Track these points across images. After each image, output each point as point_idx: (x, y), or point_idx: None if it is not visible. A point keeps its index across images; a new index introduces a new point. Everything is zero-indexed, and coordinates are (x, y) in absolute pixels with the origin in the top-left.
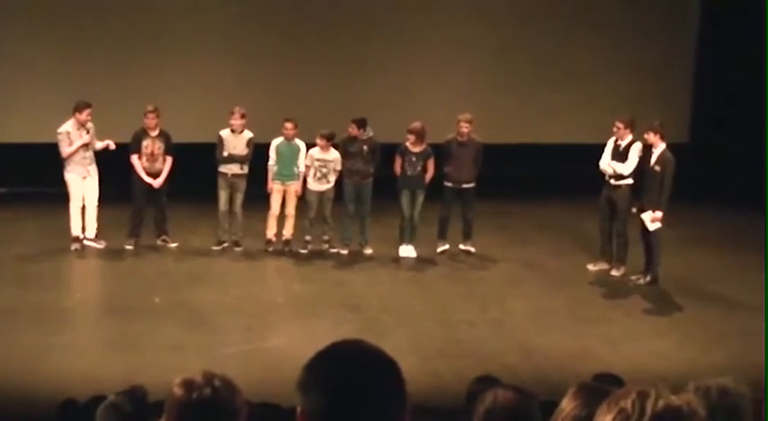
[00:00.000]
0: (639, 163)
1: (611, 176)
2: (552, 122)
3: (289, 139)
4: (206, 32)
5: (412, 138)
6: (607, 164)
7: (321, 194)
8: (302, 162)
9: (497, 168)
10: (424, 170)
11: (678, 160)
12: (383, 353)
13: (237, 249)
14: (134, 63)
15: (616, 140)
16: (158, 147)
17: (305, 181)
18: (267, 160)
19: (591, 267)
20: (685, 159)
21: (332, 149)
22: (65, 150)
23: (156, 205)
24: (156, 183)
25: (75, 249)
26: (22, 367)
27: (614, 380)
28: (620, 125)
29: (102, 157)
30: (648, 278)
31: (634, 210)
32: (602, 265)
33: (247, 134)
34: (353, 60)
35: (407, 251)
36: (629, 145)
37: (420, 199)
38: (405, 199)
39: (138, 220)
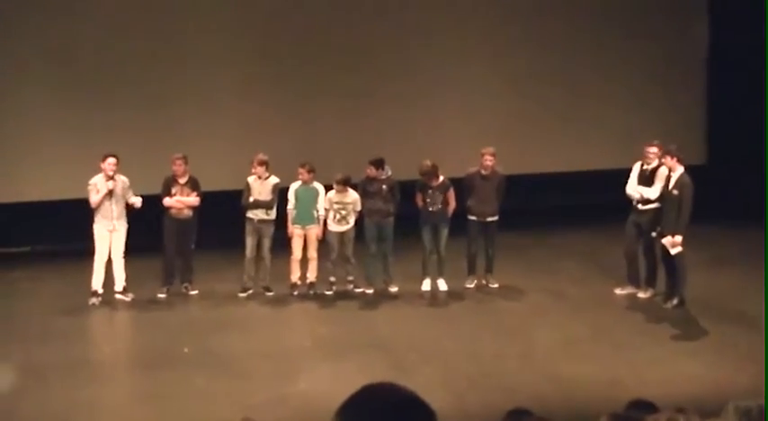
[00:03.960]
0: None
1: (638, 201)
2: (568, 151)
3: (305, 183)
4: (227, 80)
5: (425, 178)
6: (634, 189)
7: (342, 235)
8: (321, 205)
9: (517, 199)
10: (445, 203)
11: (696, 182)
12: (416, 398)
13: (269, 294)
14: (157, 116)
15: (642, 165)
16: (187, 193)
17: (326, 223)
18: (287, 204)
19: (619, 291)
20: (704, 181)
21: (350, 191)
22: (92, 200)
23: (183, 254)
24: (190, 201)
25: (93, 304)
26: None
27: (649, 407)
28: (656, 149)
29: (130, 209)
30: (675, 301)
31: (654, 233)
32: (630, 289)
33: (273, 180)
34: (368, 99)
35: (431, 285)
36: (656, 169)
37: (444, 232)
38: (426, 233)
39: (169, 270)
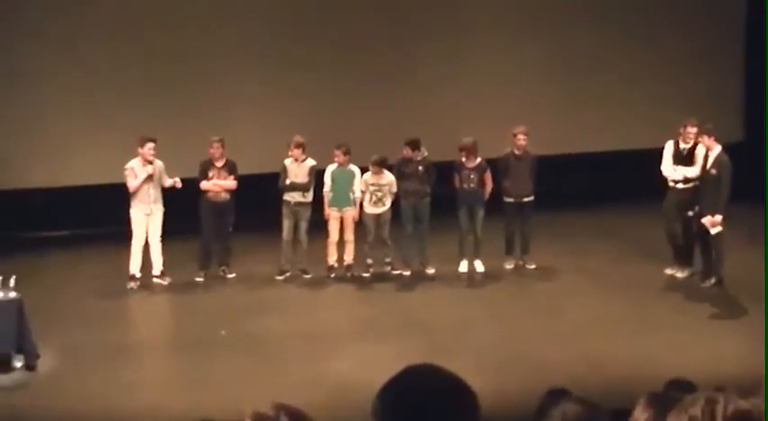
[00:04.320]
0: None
1: (677, 181)
2: (603, 130)
3: (341, 165)
4: (262, 63)
5: (463, 154)
6: (672, 168)
7: (378, 217)
8: (358, 187)
9: (551, 180)
10: (481, 185)
11: (733, 160)
12: (458, 380)
13: (306, 276)
14: (193, 100)
15: (678, 144)
16: (224, 177)
17: (362, 205)
18: (323, 187)
19: (669, 271)
20: (741, 159)
21: (386, 173)
22: (130, 184)
23: (221, 237)
24: (227, 184)
25: (131, 288)
26: (93, 405)
27: (688, 387)
28: (695, 128)
29: (167, 193)
30: (713, 280)
31: (690, 213)
32: (677, 269)
33: (309, 162)
34: (403, 80)
35: (468, 266)
36: (693, 148)
37: (480, 214)
38: (463, 214)
39: (207, 253)
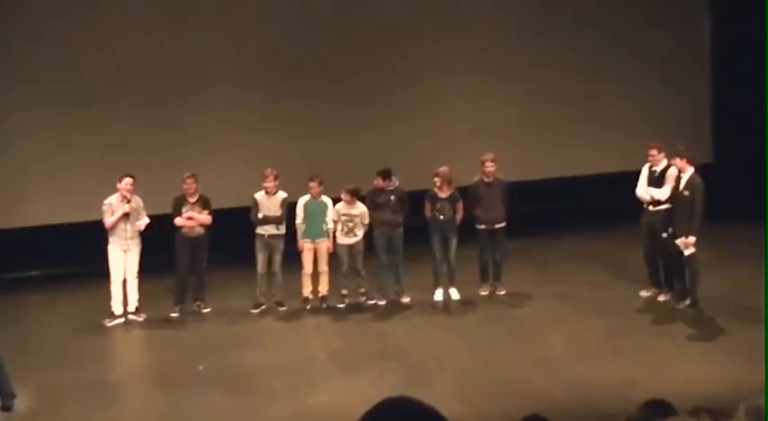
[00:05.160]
0: (673, 188)
1: (648, 203)
2: (574, 155)
3: (315, 197)
4: (231, 97)
5: (438, 181)
6: (644, 190)
7: (350, 248)
8: (330, 218)
9: (523, 205)
10: (453, 213)
11: (704, 181)
12: (434, 412)
13: (282, 309)
14: (164, 135)
15: (651, 166)
16: (198, 211)
17: (335, 236)
18: (296, 219)
19: (644, 293)
20: (711, 180)
21: (358, 204)
22: (107, 221)
23: (195, 271)
24: (202, 219)
25: (110, 325)
26: None
27: (663, 407)
28: (654, 151)
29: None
30: (688, 301)
31: (665, 234)
32: (654, 290)
33: (281, 195)
34: (373, 111)
35: (443, 294)
36: (665, 170)
37: (453, 241)
38: (436, 243)
39: (182, 288)
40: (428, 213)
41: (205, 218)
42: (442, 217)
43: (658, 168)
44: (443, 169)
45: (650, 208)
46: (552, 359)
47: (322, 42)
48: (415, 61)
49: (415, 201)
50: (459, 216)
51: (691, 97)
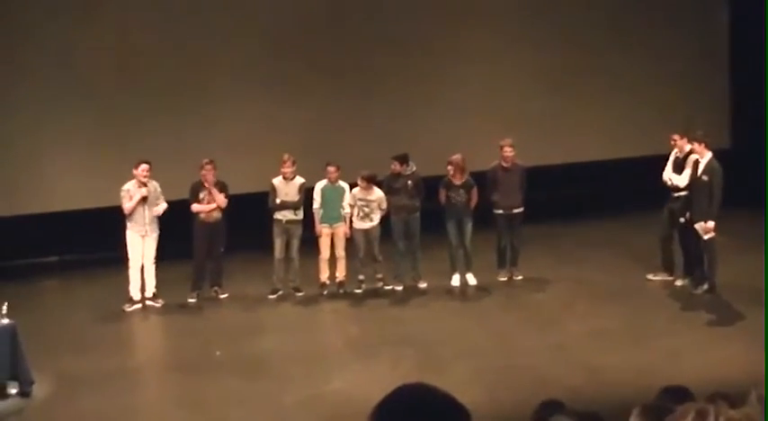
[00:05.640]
0: (692, 173)
1: (671, 188)
2: (592, 140)
3: (332, 182)
4: (249, 82)
5: (452, 170)
6: (668, 176)
7: (366, 233)
8: (347, 203)
9: (540, 191)
10: (469, 199)
11: (722, 166)
12: (451, 399)
13: (299, 295)
14: (182, 121)
15: (676, 152)
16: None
17: (352, 221)
18: (313, 204)
19: (651, 277)
20: (728, 165)
21: (375, 189)
22: (125, 206)
23: (213, 257)
24: (218, 199)
25: (129, 310)
26: None
27: (682, 393)
28: (676, 137)
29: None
30: (706, 286)
31: (682, 219)
32: (663, 276)
33: (299, 180)
34: (391, 96)
35: (460, 280)
36: (687, 156)
37: (468, 226)
38: (451, 228)
39: (200, 274)
40: (443, 199)
41: (221, 199)
42: (455, 203)
43: (682, 154)
44: (456, 157)
45: (673, 194)
46: (570, 345)
47: (341, 29)
48: (432, 48)
49: (431, 186)
50: (474, 202)
51: (709, 83)
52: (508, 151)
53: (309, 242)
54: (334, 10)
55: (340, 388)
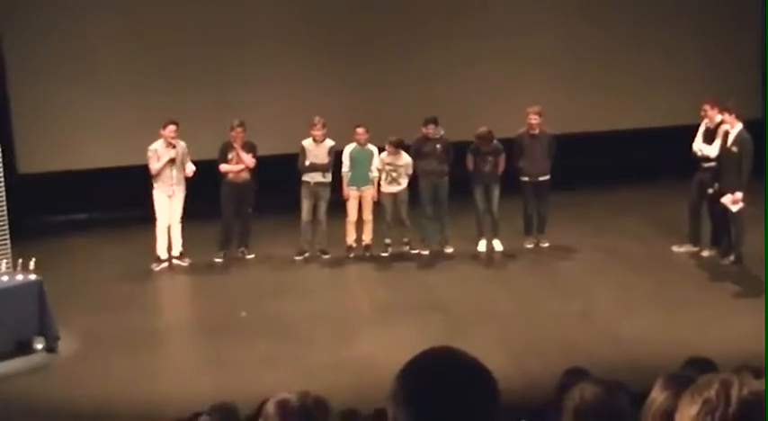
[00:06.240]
0: (721, 144)
1: (701, 159)
2: (620, 109)
3: (361, 145)
4: (280, 45)
5: (478, 142)
6: (698, 146)
7: (394, 196)
8: (376, 167)
9: (569, 158)
10: (496, 165)
11: (753, 137)
12: (477, 362)
13: (325, 257)
14: (212, 82)
15: (707, 122)
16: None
17: (380, 185)
18: (341, 167)
19: (676, 249)
20: (759, 136)
21: (402, 154)
22: (153, 167)
23: (241, 218)
24: (246, 160)
25: (156, 269)
26: (116, 391)
27: (706, 365)
28: (707, 107)
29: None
30: (732, 257)
31: (710, 190)
32: (689, 247)
33: (328, 142)
34: (420, 61)
35: (486, 245)
36: (718, 126)
37: (496, 193)
38: (479, 194)
39: (227, 234)
40: (470, 165)
41: (249, 159)
42: (483, 169)
43: (712, 125)
44: (481, 130)
45: (703, 164)
46: (596, 313)
47: None
48: (464, 14)
49: (459, 152)
50: (501, 168)
51: (741, 52)
52: (533, 119)
53: (337, 205)
54: None
55: (365, 351)
